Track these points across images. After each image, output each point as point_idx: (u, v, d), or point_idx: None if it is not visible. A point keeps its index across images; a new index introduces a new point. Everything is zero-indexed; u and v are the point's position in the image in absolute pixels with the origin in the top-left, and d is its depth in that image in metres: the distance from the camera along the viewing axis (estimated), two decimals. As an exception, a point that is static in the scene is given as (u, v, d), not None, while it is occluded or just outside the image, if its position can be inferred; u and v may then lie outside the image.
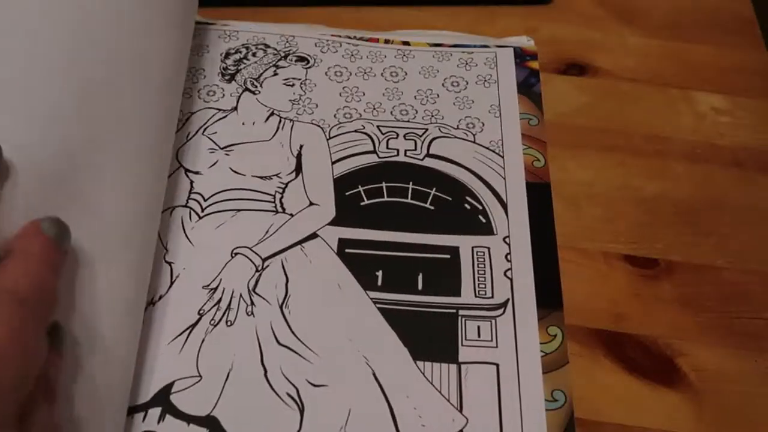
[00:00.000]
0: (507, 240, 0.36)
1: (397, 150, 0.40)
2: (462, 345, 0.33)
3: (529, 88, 0.43)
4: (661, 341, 0.34)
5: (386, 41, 0.44)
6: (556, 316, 0.34)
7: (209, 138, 0.39)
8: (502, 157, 0.39)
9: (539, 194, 0.38)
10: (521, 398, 0.31)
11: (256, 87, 0.42)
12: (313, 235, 0.36)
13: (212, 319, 0.33)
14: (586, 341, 0.34)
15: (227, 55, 0.43)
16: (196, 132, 0.40)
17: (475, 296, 0.34)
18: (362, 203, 0.38)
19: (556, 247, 0.36)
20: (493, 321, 0.34)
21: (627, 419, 0.31)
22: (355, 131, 0.40)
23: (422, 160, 0.39)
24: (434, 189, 0.38)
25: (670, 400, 0.32)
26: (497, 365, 0.32)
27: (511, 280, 0.35)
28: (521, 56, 0.44)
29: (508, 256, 0.36)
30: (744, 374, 0.33)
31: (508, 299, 0.34)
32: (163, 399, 0.31)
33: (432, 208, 0.38)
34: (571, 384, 0.32)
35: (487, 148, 0.40)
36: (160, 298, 0.34)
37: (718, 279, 0.36)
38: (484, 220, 0.37)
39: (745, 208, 0.38)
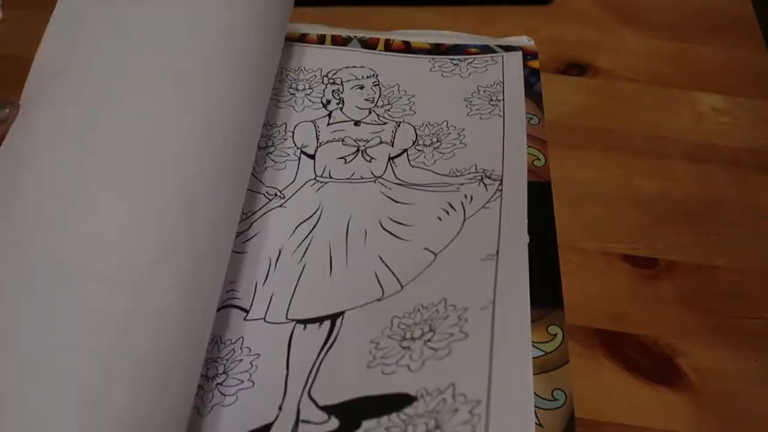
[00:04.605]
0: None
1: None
2: None
3: (530, 87, 0.42)
4: (661, 341, 0.34)
5: (387, 41, 0.44)
6: (556, 316, 0.34)
7: None
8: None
9: (539, 194, 0.38)
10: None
11: None
12: None
13: None
14: (586, 341, 0.34)
15: None
16: None
17: None
18: None
19: (557, 246, 0.36)
20: None
21: (627, 419, 0.31)
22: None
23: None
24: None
25: (670, 400, 0.32)
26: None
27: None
28: (522, 56, 0.44)
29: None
30: (744, 374, 0.33)
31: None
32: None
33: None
34: (571, 383, 0.32)
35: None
36: None
37: (718, 279, 0.36)
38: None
39: (745, 208, 0.38)
